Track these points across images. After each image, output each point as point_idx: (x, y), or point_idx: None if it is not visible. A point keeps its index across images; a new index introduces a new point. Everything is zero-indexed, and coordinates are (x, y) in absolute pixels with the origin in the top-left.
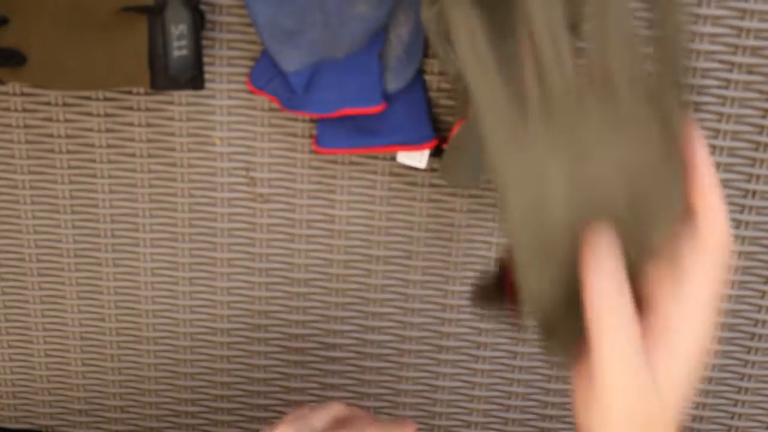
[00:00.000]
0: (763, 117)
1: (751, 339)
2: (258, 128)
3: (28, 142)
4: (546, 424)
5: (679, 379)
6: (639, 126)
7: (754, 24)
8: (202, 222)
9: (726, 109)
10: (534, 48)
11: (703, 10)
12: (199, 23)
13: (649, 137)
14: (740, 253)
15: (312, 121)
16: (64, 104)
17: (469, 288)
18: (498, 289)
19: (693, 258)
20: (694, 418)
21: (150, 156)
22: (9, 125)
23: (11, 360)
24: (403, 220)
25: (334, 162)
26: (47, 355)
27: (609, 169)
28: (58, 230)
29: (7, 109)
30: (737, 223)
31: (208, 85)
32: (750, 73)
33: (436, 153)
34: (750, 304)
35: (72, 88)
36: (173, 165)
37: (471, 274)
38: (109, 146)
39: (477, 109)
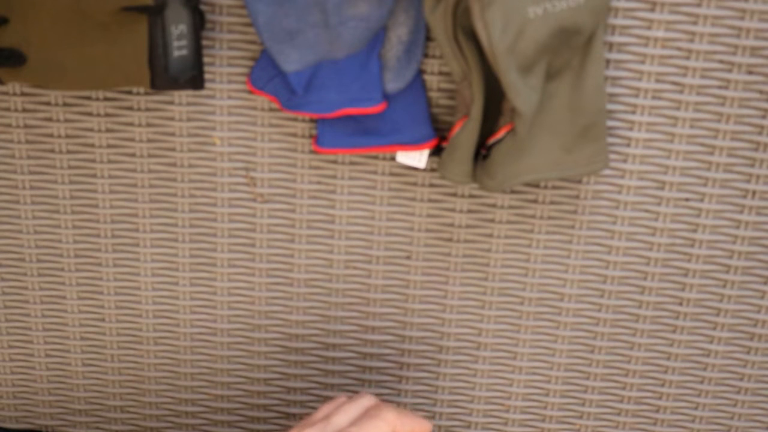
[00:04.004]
0: (763, 117)
1: (751, 339)
2: (258, 128)
3: (28, 142)
4: (546, 425)
5: None
6: None
7: (754, 24)
8: (203, 222)
9: (726, 109)
10: None
11: (703, 10)
12: (199, 23)
13: None
14: (740, 253)
15: (312, 121)
16: (64, 104)
17: (469, 288)
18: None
19: None
20: (694, 419)
21: (150, 156)
22: (9, 125)
23: (11, 360)
24: (403, 220)
25: (334, 162)
26: (47, 355)
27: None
28: (58, 230)
29: (7, 109)
30: (737, 223)
31: (208, 85)
32: (750, 73)
33: (436, 153)
34: (750, 304)
35: (72, 88)
36: (173, 165)
37: (471, 274)
38: (109, 146)
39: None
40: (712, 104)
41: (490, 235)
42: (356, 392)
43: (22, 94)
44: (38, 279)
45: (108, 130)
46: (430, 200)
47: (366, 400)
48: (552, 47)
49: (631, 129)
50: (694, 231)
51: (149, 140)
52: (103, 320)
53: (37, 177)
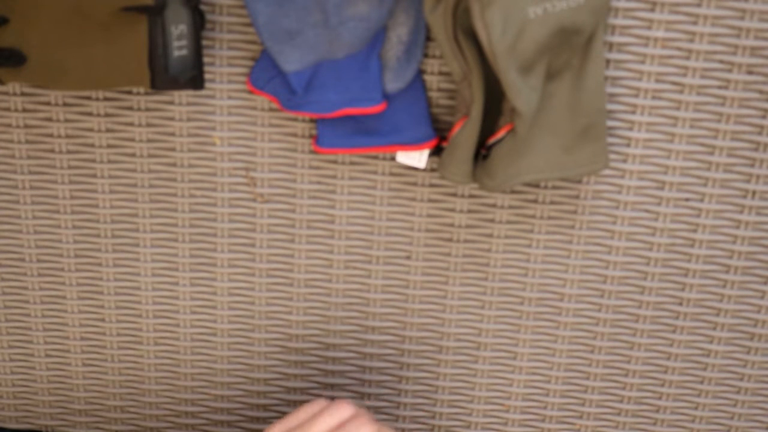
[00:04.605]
0: (763, 117)
1: (751, 339)
2: (258, 128)
3: (28, 142)
4: (546, 425)
5: None
6: None
7: (754, 24)
8: (203, 222)
9: (726, 109)
10: None
11: (703, 10)
12: (199, 23)
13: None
14: (740, 253)
15: (312, 121)
16: (64, 104)
17: (469, 288)
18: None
19: None
20: (694, 419)
21: (150, 156)
22: (9, 125)
23: (11, 360)
24: (403, 220)
25: (334, 162)
26: (47, 355)
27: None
28: (58, 230)
29: (7, 109)
30: (737, 223)
31: (208, 85)
32: (750, 73)
33: (436, 153)
34: (750, 304)
35: (72, 88)
36: (173, 165)
37: (471, 274)
38: (109, 146)
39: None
40: (712, 104)
41: (490, 235)
42: (339, 397)
43: (22, 94)
44: (38, 279)
45: (108, 130)
46: (430, 200)
47: (345, 411)
48: (552, 47)
49: (631, 129)
50: (694, 231)
51: (149, 140)
52: (103, 320)
53: (37, 177)
